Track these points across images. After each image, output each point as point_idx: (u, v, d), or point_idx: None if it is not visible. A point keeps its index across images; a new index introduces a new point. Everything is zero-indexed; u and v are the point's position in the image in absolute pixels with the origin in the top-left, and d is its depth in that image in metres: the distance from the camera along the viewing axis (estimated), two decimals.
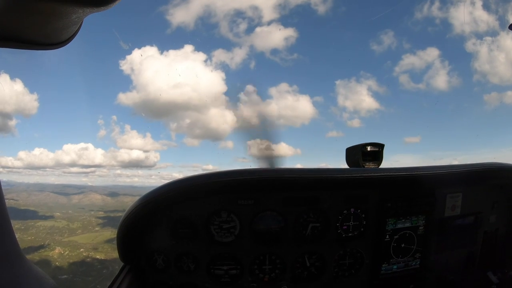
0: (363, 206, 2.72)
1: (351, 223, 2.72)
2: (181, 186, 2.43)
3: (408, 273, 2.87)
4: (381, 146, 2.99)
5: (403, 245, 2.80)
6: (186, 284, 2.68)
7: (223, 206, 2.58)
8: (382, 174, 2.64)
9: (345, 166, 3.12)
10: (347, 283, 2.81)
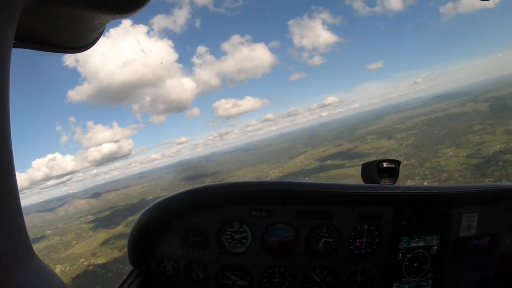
0: (377, 223, 2.77)
1: (364, 240, 2.79)
2: (194, 195, 2.52)
3: None
4: (397, 163, 3.04)
5: (415, 265, 2.86)
6: None
7: (235, 217, 2.66)
8: (398, 191, 2.69)
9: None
10: None
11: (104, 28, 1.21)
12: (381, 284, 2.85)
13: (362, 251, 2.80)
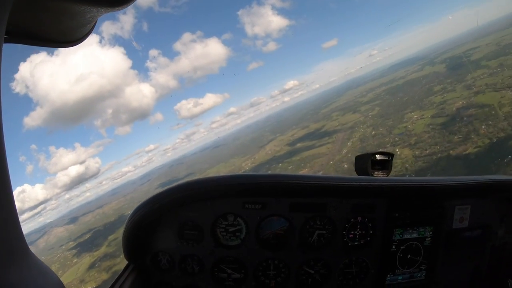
0: (370, 215, 2.76)
1: (357, 232, 2.77)
2: (188, 189, 2.49)
3: (413, 285, 2.91)
4: (390, 155, 3.05)
5: (409, 256, 2.85)
6: (189, 285, 2.76)
7: (230, 210, 2.66)
8: (391, 183, 2.66)
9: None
10: None
11: (96, 22, 1.20)
12: (375, 276, 2.87)
13: (356, 243, 2.78)
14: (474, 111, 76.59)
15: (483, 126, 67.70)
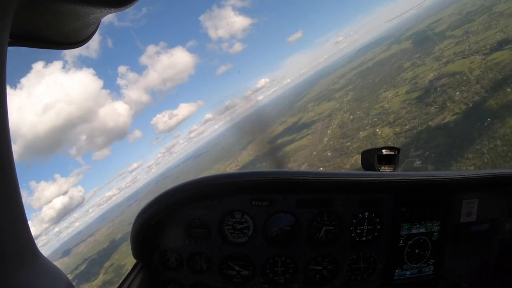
0: (377, 210, 2.76)
1: (365, 227, 2.77)
2: (195, 187, 2.52)
3: (421, 280, 2.91)
4: (397, 150, 3.05)
5: (417, 251, 2.84)
6: (197, 283, 2.78)
7: (237, 207, 2.67)
8: (398, 178, 2.66)
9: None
10: None
11: (99, 22, 1.22)
12: (383, 271, 2.87)
13: (364, 239, 2.79)
14: (447, 80, 77.52)
15: (457, 93, 68.62)
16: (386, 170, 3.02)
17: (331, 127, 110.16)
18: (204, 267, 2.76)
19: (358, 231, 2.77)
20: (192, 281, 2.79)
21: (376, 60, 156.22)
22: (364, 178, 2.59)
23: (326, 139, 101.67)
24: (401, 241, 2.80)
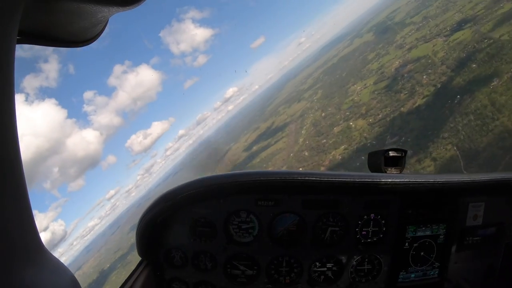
0: (383, 212, 2.75)
1: (370, 229, 2.77)
2: (200, 186, 2.53)
3: (426, 283, 2.91)
4: (404, 152, 3.06)
5: (422, 254, 2.85)
6: (202, 282, 2.79)
7: (242, 207, 2.67)
8: (404, 180, 2.64)
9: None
10: None
11: (108, 21, 1.23)
12: (388, 273, 2.87)
13: (369, 240, 2.76)
14: (412, 66, 78.79)
15: (424, 77, 69.75)
16: (392, 171, 2.96)
17: (304, 127, 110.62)
18: (209, 266, 2.75)
19: (363, 232, 2.73)
20: (197, 280, 2.80)
21: (340, 56, 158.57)
22: (370, 180, 2.55)
23: (301, 140, 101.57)
24: (407, 244, 2.79)
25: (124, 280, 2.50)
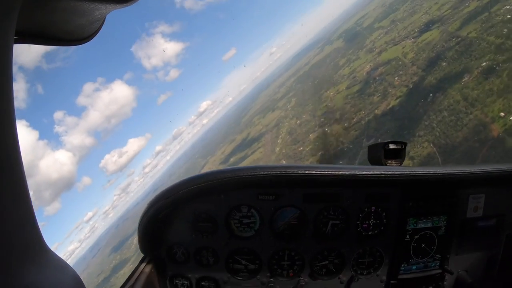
0: (384, 204, 2.77)
1: (371, 222, 2.78)
2: (201, 181, 2.52)
3: (427, 275, 2.92)
4: (404, 144, 3.06)
5: (423, 246, 2.86)
6: (204, 277, 2.82)
7: (243, 201, 2.67)
8: (405, 173, 2.67)
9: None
10: (365, 282, 2.89)
11: (105, 19, 1.22)
12: (389, 265, 2.88)
13: (370, 233, 2.78)
14: (383, 68, 79.52)
15: (396, 78, 70.39)
16: (392, 164, 2.98)
17: (280, 136, 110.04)
18: (211, 261, 2.77)
19: (364, 225, 2.75)
20: (199, 275, 2.83)
21: (311, 63, 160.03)
22: (371, 173, 2.56)
23: (278, 149, 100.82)
24: (408, 236, 2.80)
25: (127, 277, 2.47)
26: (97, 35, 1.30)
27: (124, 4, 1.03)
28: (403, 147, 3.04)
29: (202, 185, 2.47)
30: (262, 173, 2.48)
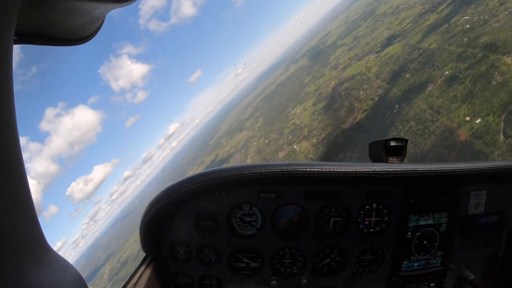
0: (385, 201, 2.79)
1: (373, 219, 2.80)
2: (202, 180, 2.54)
3: (429, 271, 2.94)
4: (404, 141, 3.08)
5: (425, 243, 2.88)
6: (206, 275, 2.84)
7: (245, 199, 2.69)
8: (406, 169, 2.68)
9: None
10: (367, 279, 2.90)
11: (104, 18, 1.23)
12: (391, 262, 2.89)
13: (371, 230, 2.80)
14: (348, 83, 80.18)
15: (361, 92, 70.73)
16: (394, 161, 2.99)
17: (249, 156, 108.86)
18: (213, 259, 2.79)
19: (366, 222, 2.76)
20: (201, 274, 2.84)
21: (277, 83, 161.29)
22: (372, 170, 2.58)
23: None
24: (409, 233, 2.81)
25: (129, 276, 2.48)
26: (97, 34, 1.30)
27: (124, 3, 1.03)
28: (404, 144, 3.00)
29: (204, 183, 2.46)
30: (263, 171, 2.46)
